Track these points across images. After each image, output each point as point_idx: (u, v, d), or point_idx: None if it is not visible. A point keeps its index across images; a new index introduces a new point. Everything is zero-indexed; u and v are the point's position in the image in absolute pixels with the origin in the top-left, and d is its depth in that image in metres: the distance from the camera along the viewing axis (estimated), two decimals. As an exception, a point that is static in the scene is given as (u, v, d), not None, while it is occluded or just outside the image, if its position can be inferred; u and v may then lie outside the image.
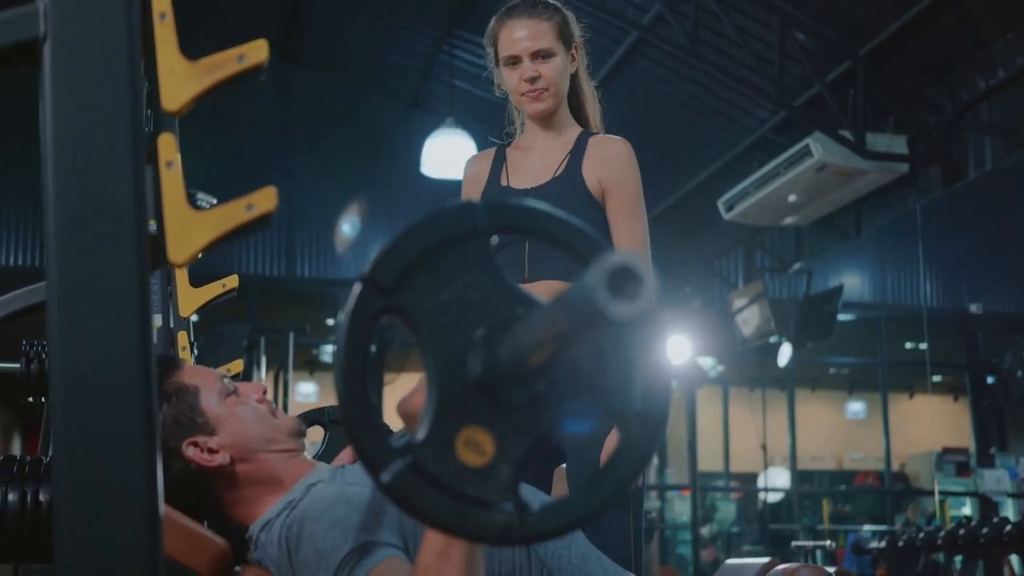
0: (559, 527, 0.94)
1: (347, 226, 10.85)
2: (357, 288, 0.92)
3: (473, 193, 2.73)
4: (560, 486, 2.67)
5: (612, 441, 2.39)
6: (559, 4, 2.69)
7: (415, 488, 0.90)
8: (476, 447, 0.92)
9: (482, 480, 0.91)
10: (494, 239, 0.97)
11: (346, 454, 2.07)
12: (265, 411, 1.79)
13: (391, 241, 0.93)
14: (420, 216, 0.95)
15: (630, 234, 2.57)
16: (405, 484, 0.89)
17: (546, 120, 2.67)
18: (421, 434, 0.91)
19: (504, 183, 2.68)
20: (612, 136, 2.66)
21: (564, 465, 2.58)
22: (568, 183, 2.59)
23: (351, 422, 0.90)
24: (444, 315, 0.93)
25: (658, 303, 0.88)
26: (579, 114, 2.74)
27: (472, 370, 0.92)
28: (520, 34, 2.61)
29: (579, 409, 0.97)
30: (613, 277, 0.74)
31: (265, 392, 1.83)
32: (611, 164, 2.58)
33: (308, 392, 14.64)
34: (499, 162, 2.72)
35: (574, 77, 2.71)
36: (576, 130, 2.68)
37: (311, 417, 2.36)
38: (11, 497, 1.51)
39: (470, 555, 1.25)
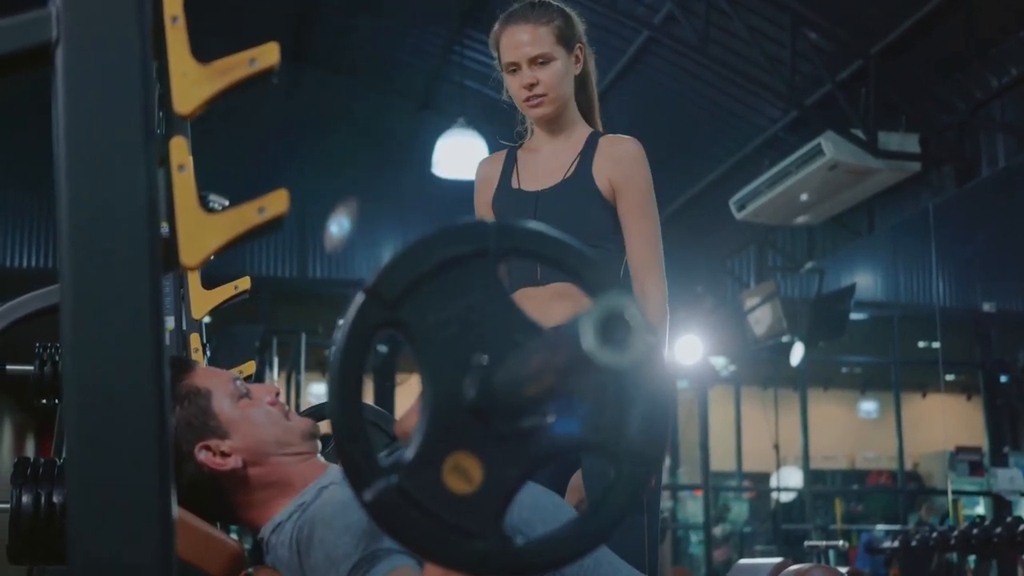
0: (541, 564, 0.92)
1: (335, 226, 10.85)
2: (359, 299, 0.91)
3: (484, 195, 2.72)
4: (574, 494, 2.67)
5: None
6: (560, 4, 2.68)
7: (397, 509, 0.88)
8: (463, 473, 0.90)
9: (466, 508, 0.89)
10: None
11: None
12: (278, 413, 1.78)
13: (398, 254, 0.92)
14: (430, 231, 0.93)
15: (642, 234, 2.56)
16: (387, 504, 0.88)
17: (552, 123, 2.67)
18: (409, 454, 0.90)
19: (515, 186, 2.67)
20: (622, 136, 2.65)
21: (580, 472, 2.58)
22: (579, 184, 2.58)
23: (340, 435, 0.89)
24: (444, 334, 0.92)
25: (656, 345, 0.88)
26: (587, 109, 2.73)
27: (467, 394, 0.91)
28: (518, 40, 2.60)
29: (573, 445, 0.95)
30: (606, 324, 0.74)
31: (278, 394, 1.83)
32: (622, 164, 2.57)
33: (320, 393, 14.65)
34: (510, 164, 2.71)
35: (582, 76, 2.70)
36: (585, 130, 2.67)
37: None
38: (25, 499, 1.51)
39: None
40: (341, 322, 0.92)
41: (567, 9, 2.67)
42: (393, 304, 0.91)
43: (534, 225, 0.97)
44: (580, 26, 2.68)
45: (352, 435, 0.89)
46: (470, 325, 0.93)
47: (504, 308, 0.95)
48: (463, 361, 0.92)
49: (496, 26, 2.67)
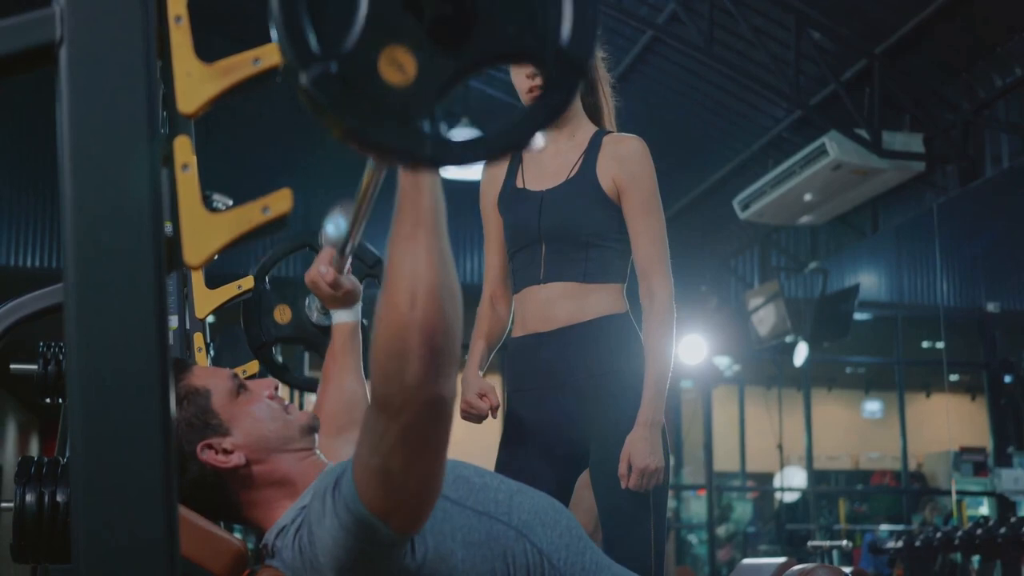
0: (467, 154, 0.94)
1: (331, 226, 10.85)
2: None
3: (490, 194, 2.73)
4: (583, 494, 2.67)
5: (629, 445, 2.40)
6: None
7: (333, 94, 0.89)
8: (398, 66, 0.91)
9: (401, 98, 0.90)
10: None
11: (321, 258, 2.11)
12: (278, 408, 1.78)
13: None
14: None
15: (648, 233, 2.56)
16: (323, 88, 0.88)
17: (558, 124, 2.66)
18: (347, 45, 0.90)
19: (520, 185, 2.67)
20: (627, 135, 2.64)
21: (587, 472, 2.59)
22: (583, 183, 2.58)
23: (279, 22, 0.89)
24: None
25: None
26: (595, 111, 2.72)
27: None
28: None
29: (504, 47, 0.95)
30: None
31: (277, 388, 1.83)
32: (626, 163, 2.57)
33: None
34: (515, 163, 2.71)
35: (589, 79, 2.70)
36: (590, 129, 2.66)
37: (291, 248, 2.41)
38: (29, 498, 1.51)
39: (437, 230, 1.30)
40: None
41: None
42: None
43: None
44: None
45: (290, 21, 0.89)
46: None
47: None
48: None
49: None
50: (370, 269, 2.41)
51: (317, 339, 2.47)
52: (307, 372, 10.22)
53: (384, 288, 1.33)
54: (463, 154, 0.94)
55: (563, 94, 0.95)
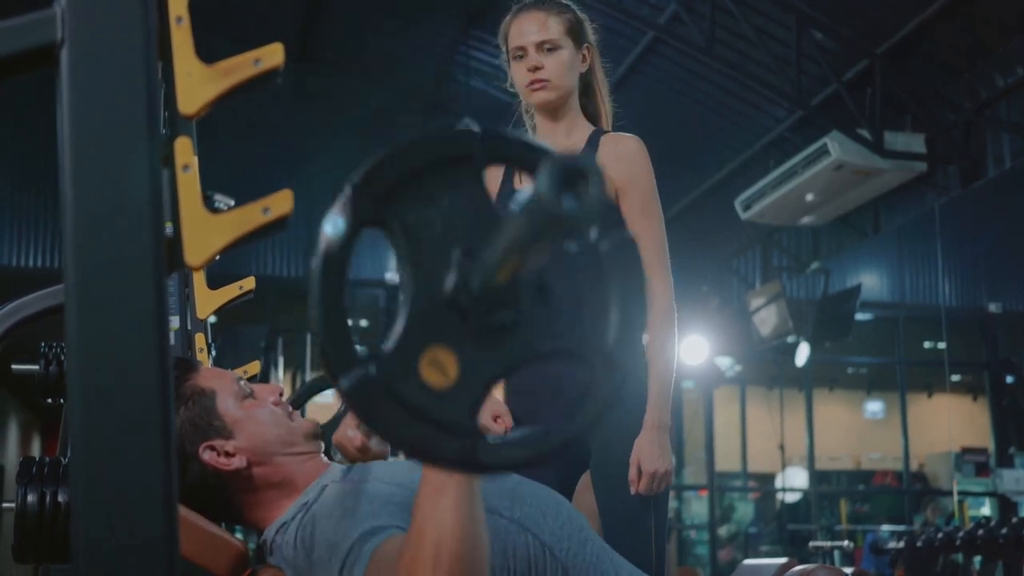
0: (512, 461, 0.93)
1: (329, 226, 10.85)
2: (347, 192, 0.92)
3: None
4: (584, 496, 2.66)
5: (638, 449, 2.39)
6: (572, 5, 2.68)
7: (373, 397, 0.89)
8: (440, 368, 0.91)
9: (442, 402, 0.90)
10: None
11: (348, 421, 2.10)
12: (282, 413, 1.78)
13: (386, 153, 0.93)
14: (418, 134, 0.94)
15: (646, 233, 2.55)
16: (364, 392, 0.89)
17: (553, 115, 2.65)
18: (388, 347, 0.91)
19: (517, 186, 2.67)
20: (624, 134, 2.64)
21: (588, 473, 2.58)
22: None
23: (320, 326, 0.90)
24: (426, 232, 0.93)
25: (628, 237, 0.93)
26: (595, 117, 2.72)
27: (445, 289, 0.92)
28: (527, 26, 2.60)
29: (548, 346, 0.96)
30: (562, 175, 0.75)
31: (282, 394, 1.83)
32: (624, 163, 2.56)
33: (325, 393, 14.65)
34: (510, 171, 2.70)
35: (588, 77, 2.70)
36: (587, 129, 2.66)
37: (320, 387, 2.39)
38: (31, 498, 1.52)
39: (466, 492, 1.27)
40: (325, 223, 0.93)
41: (580, 12, 2.68)
42: (378, 200, 0.92)
43: (519, 135, 0.99)
44: (591, 31, 2.68)
45: (331, 325, 0.90)
46: (452, 225, 0.94)
47: (486, 211, 0.95)
48: (443, 258, 0.93)
49: (507, 18, 2.67)
50: None
51: None
52: (309, 370, 10.22)
53: (409, 537, 1.32)
54: (507, 458, 0.93)
55: (609, 393, 0.94)
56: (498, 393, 2.64)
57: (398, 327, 0.92)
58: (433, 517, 1.28)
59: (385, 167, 0.93)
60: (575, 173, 0.76)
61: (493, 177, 2.72)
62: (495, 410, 2.58)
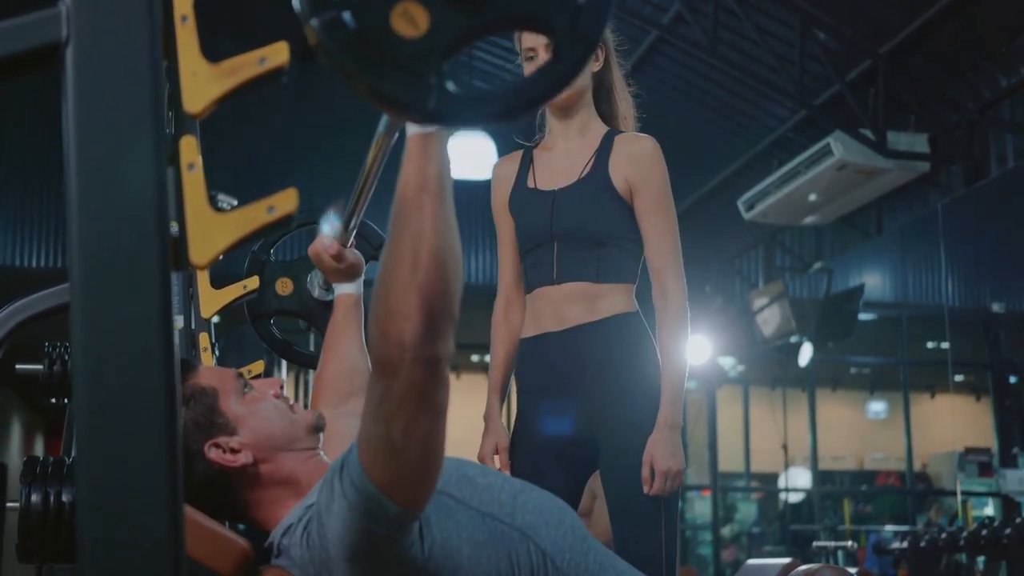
0: (472, 112, 0.95)
1: (326, 225, 10.84)
2: None
3: (502, 194, 2.73)
4: (590, 496, 2.67)
5: (651, 448, 2.40)
6: None
7: (343, 41, 0.90)
8: (410, 19, 0.92)
9: (411, 50, 0.91)
10: None
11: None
12: (284, 407, 1.79)
13: None
14: None
15: (660, 232, 2.56)
16: (334, 34, 0.89)
17: (566, 114, 2.65)
18: None
19: (531, 185, 2.67)
20: (639, 134, 2.64)
21: (597, 475, 2.59)
22: (595, 183, 2.58)
23: None
24: None
25: None
26: (610, 117, 2.72)
27: None
28: None
29: (516, 8, 0.96)
30: None
31: (282, 387, 1.84)
32: (639, 163, 2.57)
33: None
34: (526, 164, 2.71)
35: (604, 79, 2.70)
36: (601, 129, 2.66)
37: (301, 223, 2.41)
38: (34, 498, 1.51)
39: (440, 202, 1.31)
40: None
41: None
42: None
43: None
44: (607, 31, 2.68)
45: None
46: None
47: None
48: None
49: None
50: (375, 251, 2.41)
51: (318, 314, 2.47)
52: (312, 369, 10.23)
53: (387, 249, 1.35)
54: (468, 111, 0.94)
55: (571, 65, 0.96)
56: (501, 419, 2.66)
57: None
58: (414, 217, 1.31)
59: None
60: None
61: (507, 174, 2.73)
62: (500, 441, 2.60)
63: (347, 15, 0.90)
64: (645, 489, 2.40)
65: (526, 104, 0.95)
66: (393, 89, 0.91)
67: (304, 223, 2.48)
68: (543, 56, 2.57)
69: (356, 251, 2.20)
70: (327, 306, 2.34)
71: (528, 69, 2.63)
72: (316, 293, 2.46)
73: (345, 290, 2.22)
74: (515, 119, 0.97)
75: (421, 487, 1.47)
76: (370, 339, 1.40)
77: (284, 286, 2.53)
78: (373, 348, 1.39)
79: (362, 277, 2.23)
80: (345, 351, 2.18)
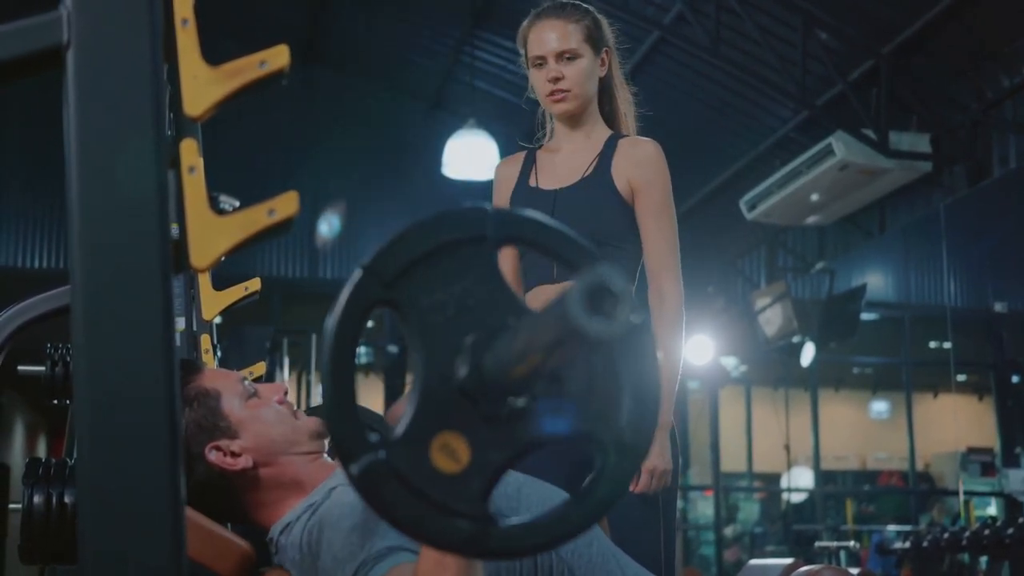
0: (523, 547, 0.93)
1: (325, 226, 10.88)
2: (356, 275, 0.92)
3: (503, 194, 2.73)
4: None
5: (649, 463, 2.40)
6: (591, 8, 2.70)
7: (383, 484, 0.88)
8: (451, 453, 0.90)
9: (452, 487, 0.90)
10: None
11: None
12: (287, 412, 1.79)
13: (397, 234, 0.93)
14: (430, 214, 0.94)
15: (660, 236, 2.56)
16: (374, 478, 0.88)
17: (573, 122, 2.67)
18: (398, 432, 0.90)
19: (533, 184, 2.68)
20: (642, 138, 2.66)
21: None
22: (597, 184, 2.58)
23: (331, 410, 0.90)
24: (438, 316, 0.92)
25: (643, 322, 0.88)
26: (611, 118, 2.73)
27: (458, 375, 0.91)
28: (547, 35, 2.61)
29: (561, 431, 0.95)
30: (592, 294, 0.75)
31: (286, 393, 1.84)
32: (641, 166, 2.58)
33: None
34: (529, 164, 2.72)
35: (606, 81, 2.71)
36: (605, 132, 2.68)
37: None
38: (37, 499, 1.52)
39: (467, 565, 1.25)
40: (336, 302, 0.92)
41: (599, 15, 2.69)
42: (389, 283, 0.92)
43: (532, 214, 0.98)
44: (609, 34, 2.70)
45: (342, 409, 0.89)
46: (465, 308, 0.93)
47: (499, 293, 0.95)
48: (455, 342, 0.92)
49: (525, 22, 2.68)
50: None
51: None
52: (314, 370, 10.22)
53: None
54: (514, 543, 0.93)
55: (619, 484, 0.94)
56: None
57: (408, 412, 0.91)
58: None
59: (397, 248, 0.92)
60: (605, 293, 0.75)
61: (509, 174, 2.73)
62: None
63: (383, 454, 0.89)
64: (631, 487, 2.40)
65: (573, 532, 0.94)
66: (439, 532, 0.90)
67: None
68: (553, 65, 2.59)
69: None
70: None
71: (535, 76, 2.64)
72: None
73: None
74: (559, 547, 0.96)
75: None
76: None
77: None
78: None
79: None
80: None
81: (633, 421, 0.94)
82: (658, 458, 2.41)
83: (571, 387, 0.95)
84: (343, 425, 0.89)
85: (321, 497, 1.67)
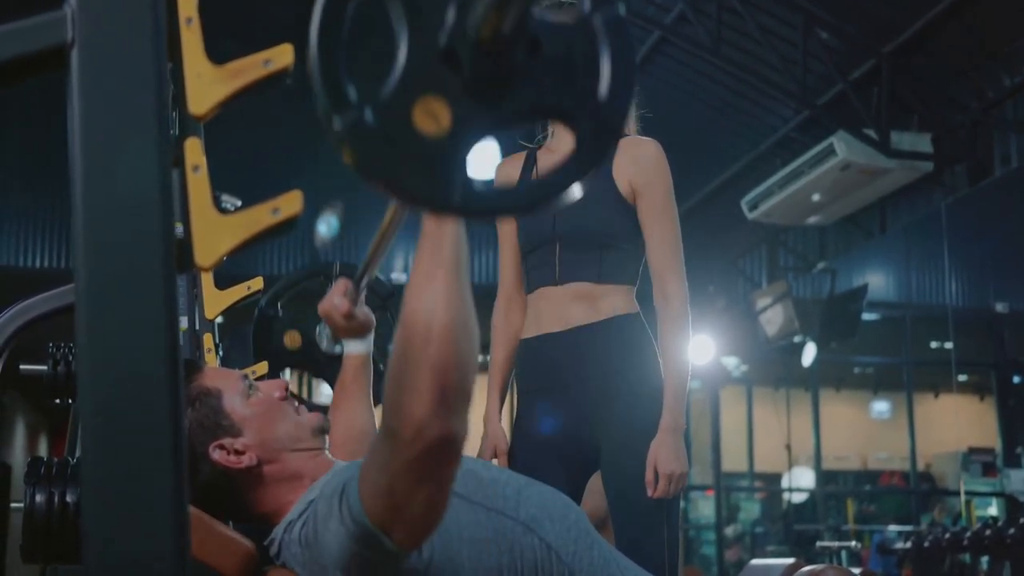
0: (497, 208, 0.95)
1: (323, 226, 10.86)
2: None
3: None
4: (593, 497, 2.66)
5: (654, 451, 2.40)
6: None
7: (365, 140, 0.89)
8: (433, 116, 0.91)
9: (433, 149, 0.90)
10: None
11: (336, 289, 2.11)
12: (288, 408, 1.79)
13: None
14: None
15: (663, 236, 2.56)
16: (356, 133, 0.88)
17: None
18: (382, 94, 0.91)
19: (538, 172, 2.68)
20: (643, 138, 2.64)
21: (598, 475, 2.58)
22: (599, 184, 2.57)
23: (318, 62, 0.89)
24: None
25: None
26: None
27: (440, 39, 0.92)
28: None
29: (542, 105, 0.96)
30: None
31: (287, 389, 1.84)
32: (642, 166, 2.57)
33: (330, 394, 14.62)
34: (529, 164, 2.71)
35: None
36: None
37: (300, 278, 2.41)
38: (39, 498, 1.51)
39: (455, 278, 1.29)
40: None
41: None
42: None
43: None
44: None
45: (327, 66, 0.90)
46: None
47: None
48: (439, 8, 0.92)
49: None
50: (383, 301, 2.40)
51: (326, 367, 2.46)
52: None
53: (401, 323, 1.33)
54: (492, 205, 0.94)
55: (597, 153, 0.95)
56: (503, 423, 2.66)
57: (393, 76, 0.91)
58: (428, 291, 1.30)
59: None
60: None
61: (510, 175, 2.73)
62: (497, 445, 2.60)
63: (368, 113, 0.89)
64: (649, 492, 2.40)
65: (549, 198, 0.95)
66: (417, 187, 0.90)
67: (312, 275, 2.47)
68: None
69: (366, 309, 2.16)
70: (335, 360, 2.32)
71: None
72: (324, 347, 2.44)
73: (354, 349, 2.18)
74: (538, 213, 0.97)
75: (420, 533, 1.46)
76: (382, 406, 1.38)
77: (292, 339, 2.52)
78: (384, 416, 1.37)
79: (372, 335, 2.19)
80: (353, 412, 2.16)
81: (609, 97, 0.95)
82: (675, 462, 2.40)
83: (551, 65, 0.95)
84: (327, 80, 0.89)
85: (319, 493, 1.67)
